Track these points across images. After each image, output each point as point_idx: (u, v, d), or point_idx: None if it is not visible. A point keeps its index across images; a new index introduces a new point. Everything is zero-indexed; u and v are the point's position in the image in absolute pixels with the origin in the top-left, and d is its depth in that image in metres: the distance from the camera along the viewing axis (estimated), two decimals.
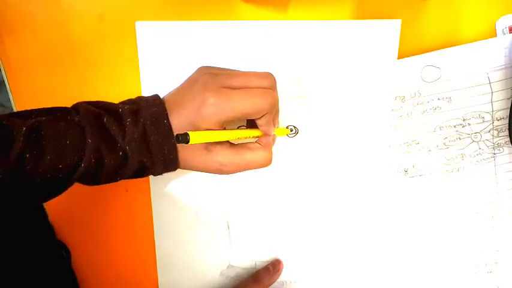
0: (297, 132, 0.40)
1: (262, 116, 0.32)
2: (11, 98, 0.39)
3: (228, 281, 0.44)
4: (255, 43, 0.38)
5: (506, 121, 0.40)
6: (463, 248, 0.43)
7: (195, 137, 0.28)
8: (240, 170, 0.33)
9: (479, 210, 0.42)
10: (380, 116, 0.40)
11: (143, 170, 0.32)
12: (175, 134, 0.30)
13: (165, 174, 0.40)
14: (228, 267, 0.44)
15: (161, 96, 0.33)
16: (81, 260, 0.43)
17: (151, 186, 0.41)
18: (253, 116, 0.32)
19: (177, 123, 0.31)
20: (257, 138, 0.35)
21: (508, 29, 0.38)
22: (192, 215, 0.42)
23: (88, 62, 0.39)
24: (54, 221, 0.42)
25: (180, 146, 0.32)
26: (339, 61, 0.39)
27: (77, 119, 0.29)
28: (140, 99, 0.32)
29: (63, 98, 0.39)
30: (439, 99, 0.39)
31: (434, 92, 0.39)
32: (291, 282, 0.44)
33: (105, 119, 0.30)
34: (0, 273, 0.35)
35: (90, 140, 0.29)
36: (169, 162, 0.32)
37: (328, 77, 0.39)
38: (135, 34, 0.37)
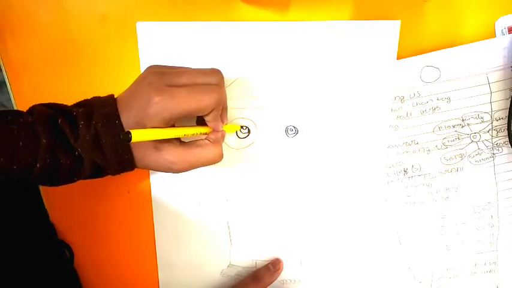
0: (296, 132, 0.40)
1: (209, 113, 0.33)
2: (12, 98, 0.39)
3: (229, 280, 0.44)
4: (255, 44, 0.38)
5: (505, 121, 0.40)
6: (462, 248, 0.44)
7: (138, 135, 0.28)
8: (192, 168, 0.34)
9: (478, 209, 0.43)
10: (379, 116, 0.40)
11: (99, 171, 0.33)
12: None
13: (165, 174, 0.40)
14: (228, 266, 0.44)
15: (116, 95, 0.33)
16: (83, 260, 0.43)
17: (151, 187, 0.41)
18: (199, 112, 0.32)
19: (127, 122, 0.32)
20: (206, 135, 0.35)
21: (507, 29, 0.38)
22: (192, 214, 0.42)
23: (89, 62, 0.39)
24: (56, 222, 0.42)
25: (133, 146, 0.32)
26: (339, 61, 0.39)
27: (30, 120, 0.30)
28: (94, 100, 0.33)
29: (64, 98, 0.39)
30: (438, 99, 0.40)
31: (433, 92, 0.39)
32: (291, 281, 0.44)
33: (59, 120, 0.31)
34: (3, 273, 0.35)
35: (44, 140, 0.30)
36: (124, 162, 0.33)
37: (328, 77, 0.39)
38: (136, 34, 0.37)
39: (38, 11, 0.38)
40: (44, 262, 0.40)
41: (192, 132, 0.34)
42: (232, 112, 0.39)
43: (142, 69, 0.38)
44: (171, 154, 0.33)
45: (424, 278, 0.44)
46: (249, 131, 0.40)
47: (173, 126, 0.33)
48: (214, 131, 0.35)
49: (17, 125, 0.29)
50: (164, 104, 0.30)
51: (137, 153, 0.33)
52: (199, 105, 0.31)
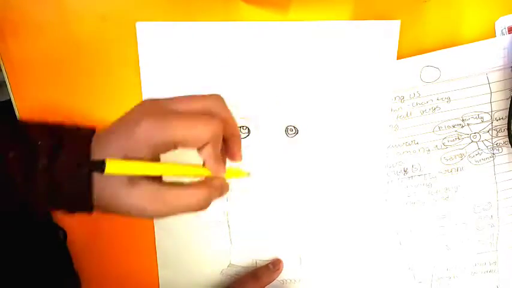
0: (296, 132, 0.40)
1: (203, 147, 0.27)
2: (12, 98, 0.39)
3: (229, 280, 0.44)
4: (255, 44, 0.38)
5: (505, 121, 0.40)
6: (462, 248, 0.44)
7: (114, 166, 0.22)
8: (169, 212, 0.27)
9: (478, 210, 0.43)
10: (379, 116, 0.40)
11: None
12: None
13: None
14: (228, 266, 0.44)
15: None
16: (82, 259, 0.43)
17: None
18: (191, 143, 0.26)
19: (103, 152, 0.26)
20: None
21: (507, 29, 0.38)
22: (192, 214, 0.42)
23: (89, 62, 0.39)
24: (55, 220, 0.42)
25: (100, 179, 0.26)
26: (339, 61, 0.39)
27: None
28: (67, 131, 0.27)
29: (64, 98, 0.39)
30: (438, 99, 0.40)
31: (433, 92, 0.39)
32: (291, 280, 0.44)
33: (11, 154, 0.25)
34: None
35: None
36: (78, 198, 0.26)
37: (328, 77, 0.39)
38: (135, 34, 0.38)
39: (38, 11, 0.38)
40: (37, 243, 0.38)
41: (184, 173, 0.28)
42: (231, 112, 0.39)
43: (142, 69, 0.38)
44: (145, 192, 0.26)
45: (424, 278, 0.44)
46: (249, 131, 0.40)
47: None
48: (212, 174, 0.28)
49: None
50: (152, 127, 0.25)
51: (102, 190, 0.26)
52: (189, 133, 0.26)
